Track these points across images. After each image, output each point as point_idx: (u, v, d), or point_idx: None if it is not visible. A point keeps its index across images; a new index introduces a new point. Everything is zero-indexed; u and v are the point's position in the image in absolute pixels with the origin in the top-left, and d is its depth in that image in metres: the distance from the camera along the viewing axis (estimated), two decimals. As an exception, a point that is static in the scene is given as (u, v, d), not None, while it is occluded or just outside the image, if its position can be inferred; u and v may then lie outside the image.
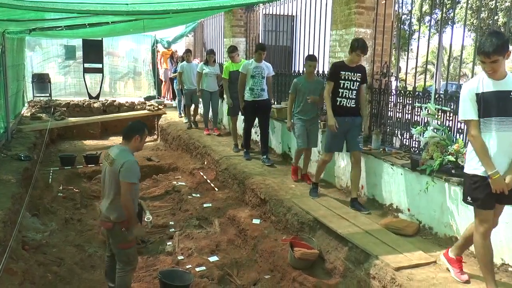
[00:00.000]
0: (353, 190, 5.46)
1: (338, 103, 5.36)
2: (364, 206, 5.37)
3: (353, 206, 5.35)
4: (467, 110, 3.32)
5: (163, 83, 14.97)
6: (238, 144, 8.34)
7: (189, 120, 10.81)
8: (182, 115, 11.85)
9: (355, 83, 5.32)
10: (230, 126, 8.97)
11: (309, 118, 6.19)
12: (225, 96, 8.77)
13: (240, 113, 8.13)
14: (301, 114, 6.20)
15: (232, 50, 8.34)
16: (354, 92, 5.34)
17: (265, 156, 7.52)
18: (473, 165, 3.37)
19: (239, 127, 8.62)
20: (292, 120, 6.32)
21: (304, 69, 6.59)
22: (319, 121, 6.38)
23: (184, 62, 10.58)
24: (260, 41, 9.93)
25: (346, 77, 5.28)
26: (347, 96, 5.33)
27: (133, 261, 4.22)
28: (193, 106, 10.88)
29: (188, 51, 10.91)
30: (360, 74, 5.34)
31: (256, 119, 7.69)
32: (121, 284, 4.15)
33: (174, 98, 13.45)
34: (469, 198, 3.42)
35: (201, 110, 10.61)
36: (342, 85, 5.30)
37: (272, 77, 8.02)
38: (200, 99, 10.10)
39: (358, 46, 5.14)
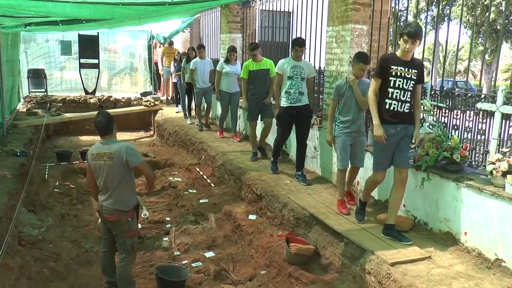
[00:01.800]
0: (391, 215, 4.46)
1: (387, 107, 4.30)
2: (406, 237, 4.38)
3: (390, 235, 4.39)
4: None
5: (162, 79, 14.92)
6: (258, 153, 7.56)
7: (200, 121, 10.09)
8: (179, 110, 11.78)
9: (409, 81, 4.24)
10: (247, 132, 8.17)
11: (355, 129, 5.07)
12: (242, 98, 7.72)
13: (261, 119, 7.45)
14: (345, 124, 5.07)
15: (254, 47, 7.38)
16: (408, 93, 4.26)
17: (299, 173, 6.34)
18: None
19: (258, 134, 7.77)
20: (333, 133, 5.20)
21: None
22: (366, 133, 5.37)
23: (197, 59, 9.76)
24: (257, 37, 9.89)
25: (398, 74, 4.22)
26: (399, 98, 4.25)
27: (135, 250, 4.37)
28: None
29: (201, 46, 9.97)
30: (416, 71, 4.27)
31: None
32: (124, 273, 4.23)
33: (177, 101, 12.45)
34: None
35: (215, 112, 10.14)
36: (392, 83, 4.25)
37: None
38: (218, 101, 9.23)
39: (412, 32, 4.07)
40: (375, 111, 4.35)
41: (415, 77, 4.26)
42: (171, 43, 13.82)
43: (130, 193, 4.21)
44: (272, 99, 7.28)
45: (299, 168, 6.39)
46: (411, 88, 4.26)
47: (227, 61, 8.64)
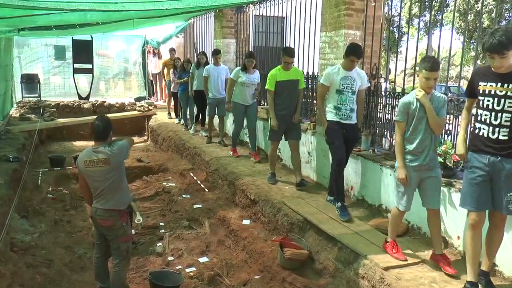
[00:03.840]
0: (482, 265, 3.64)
1: (476, 132, 3.52)
2: None
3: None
4: None
5: (158, 85, 14.90)
6: (276, 174, 6.62)
7: (210, 133, 9.30)
8: (178, 121, 11.28)
9: (505, 101, 3.30)
10: (268, 151, 6.92)
11: (427, 162, 3.91)
12: (270, 114, 6.28)
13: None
14: (414, 155, 3.93)
15: (290, 52, 6.05)
16: (507, 116, 3.31)
17: (340, 204, 5.09)
18: None
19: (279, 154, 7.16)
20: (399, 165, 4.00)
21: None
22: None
23: (211, 65, 8.86)
24: (250, 43, 9.90)
25: (489, 92, 3.37)
26: (490, 122, 3.38)
27: (130, 255, 4.37)
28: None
29: (217, 52, 8.93)
30: None
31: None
32: (118, 279, 4.21)
33: (177, 112, 11.61)
34: None
35: (228, 127, 9.41)
36: (481, 104, 3.44)
37: (261, 79, 7.60)
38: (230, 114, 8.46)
39: (496, 42, 3.20)
40: (462, 139, 3.75)
41: None
42: (172, 53, 12.22)
43: (125, 191, 4.26)
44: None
45: (340, 197, 5.16)
46: (510, 109, 3.29)
47: (245, 69, 7.58)
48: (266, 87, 6.22)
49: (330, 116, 5.24)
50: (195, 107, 9.98)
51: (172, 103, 11.98)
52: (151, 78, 14.87)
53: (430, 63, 3.73)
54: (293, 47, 7.51)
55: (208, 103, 8.96)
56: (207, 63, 9.24)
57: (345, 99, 5.14)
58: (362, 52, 5.22)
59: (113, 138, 4.27)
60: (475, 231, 3.49)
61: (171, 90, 11.38)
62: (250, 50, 7.91)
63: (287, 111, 6.15)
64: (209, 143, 9.02)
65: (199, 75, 9.19)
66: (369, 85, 5.60)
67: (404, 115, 3.92)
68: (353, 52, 4.97)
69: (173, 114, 11.96)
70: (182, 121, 11.03)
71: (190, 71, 9.59)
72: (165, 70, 12.05)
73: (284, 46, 8.79)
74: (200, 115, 9.96)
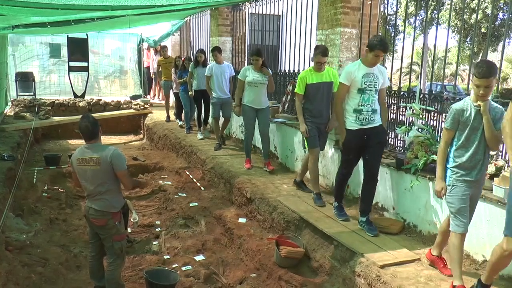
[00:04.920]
0: None
1: None
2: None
3: None
4: None
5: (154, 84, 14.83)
6: (319, 191, 5.64)
7: (217, 136, 8.65)
8: (181, 123, 10.60)
9: None
10: (304, 162, 5.95)
11: (478, 178, 3.56)
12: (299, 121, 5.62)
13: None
14: (465, 169, 3.52)
15: (323, 51, 5.35)
16: None
17: (364, 219, 4.67)
18: None
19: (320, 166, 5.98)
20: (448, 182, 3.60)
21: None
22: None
23: (213, 63, 8.34)
24: (246, 41, 9.88)
25: None
26: None
27: (124, 254, 4.34)
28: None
29: (216, 49, 8.36)
30: None
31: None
32: (113, 277, 4.20)
33: (179, 114, 10.93)
34: None
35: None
36: None
37: None
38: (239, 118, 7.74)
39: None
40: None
41: None
42: (164, 51, 11.75)
43: (117, 195, 4.20)
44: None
45: (364, 211, 4.69)
46: None
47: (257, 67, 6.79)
48: (295, 90, 5.60)
49: (349, 123, 4.62)
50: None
51: (171, 104, 11.70)
52: (153, 76, 14.73)
53: (481, 68, 3.31)
54: (289, 45, 7.52)
55: (211, 103, 8.50)
56: (205, 61, 8.98)
57: (368, 99, 4.55)
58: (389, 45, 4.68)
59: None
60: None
61: (174, 91, 10.74)
62: (258, 48, 7.16)
63: (320, 119, 5.50)
64: (218, 149, 8.31)
65: (198, 74, 8.93)
66: (389, 83, 5.09)
67: (455, 123, 3.51)
68: (380, 45, 4.36)
69: (172, 117, 11.45)
70: (180, 122, 10.68)
71: (189, 70, 9.19)
72: (160, 69, 11.66)
73: (278, 44, 8.62)
74: (203, 116, 9.43)
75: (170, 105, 11.75)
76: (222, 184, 6.96)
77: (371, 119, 4.60)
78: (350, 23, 5.68)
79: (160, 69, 11.62)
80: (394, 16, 6.92)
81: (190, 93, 9.26)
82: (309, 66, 5.62)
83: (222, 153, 8.06)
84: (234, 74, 8.28)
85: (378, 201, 5.23)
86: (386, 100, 5.36)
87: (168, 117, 11.56)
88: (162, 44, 13.76)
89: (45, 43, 13.92)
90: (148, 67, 15.14)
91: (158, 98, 14.59)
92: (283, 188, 6.13)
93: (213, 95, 8.25)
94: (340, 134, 4.76)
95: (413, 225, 4.73)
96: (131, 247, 5.58)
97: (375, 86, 4.56)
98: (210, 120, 9.30)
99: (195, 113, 9.73)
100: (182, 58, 10.30)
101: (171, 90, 11.15)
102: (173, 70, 10.53)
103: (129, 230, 5.82)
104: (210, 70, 8.17)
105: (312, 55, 5.62)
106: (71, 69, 13.47)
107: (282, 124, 7.13)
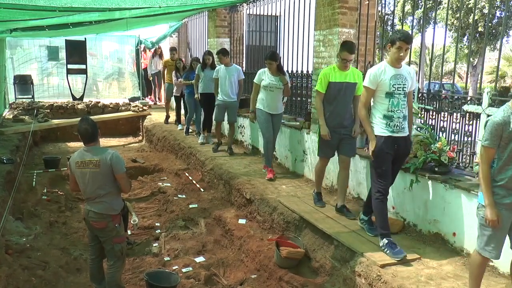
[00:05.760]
0: None
1: None
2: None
3: None
4: None
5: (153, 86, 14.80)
6: (322, 195, 5.55)
7: (218, 140, 8.43)
8: (181, 127, 10.40)
9: None
10: (316, 168, 5.54)
11: None
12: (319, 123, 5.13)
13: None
14: (508, 190, 3.04)
15: (350, 48, 4.84)
16: None
17: (366, 218, 4.56)
18: None
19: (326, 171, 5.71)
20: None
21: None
22: None
23: (222, 66, 7.97)
24: (244, 42, 9.88)
25: None
26: None
27: (124, 256, 4.34)
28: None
29: (220, 51, 8.08)
30: None
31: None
32: (113, 280, 4.21)
33: (178, 119, 10.79)
34: None
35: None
36: None
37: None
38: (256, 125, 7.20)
39: None
40: None
41: None
42: (173, 53, 11.12)
43: (117, 197, 4.20)
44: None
45: (368, 211, 4.52)
46: None
47: (269, 70, 6.48)
48: (316, 87, 5.13)
49: (379, 130, 4.11)
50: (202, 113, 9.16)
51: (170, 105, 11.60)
52: (150, 78, 14.69)
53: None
54: (286, 45, 7.51)
55: (216, 105, 8.12)
56: (214, 63, 8.62)
57: (397, 104, 4.06)
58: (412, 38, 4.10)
59: None
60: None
61: (174, 94, 10.55)
62: (273, 51, 6.80)
63: (339, 121, 5.04)
64: (217, 151, 8.18)
65: (205, 77, 8.59)
66: (418, 85, 4.54)
67: (496, 140, 2.98)
68: (401, 35, 3.94)
69: (172, 119, 11.30)
70: (180, 127, 10.51)
71: (196, 72, 8.82)
72: (165, 71, 11.27)
73: (276, 45, 8.50)
74: (207, 120, 9.06)
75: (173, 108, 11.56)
76: (222, 185, 6.96)
77: (402, 126, 4.12)
78: (348, 23, 5.68)
79: (166, 71, 11.26)
80: (391, 15, 6.95)
81: (196, 96, 8.90)
82: (334, 64, 5.17)
83: (221, 154, 8.05)
84: (243, 77, 8.07)
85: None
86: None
87: (168, 117, 11.42)
88: (161, 45, 13.81)
89: (43, 46, 13.91)
90: (145, 68, 15.10)
91: (160, 101, 14.56)
92: (282, 189, 6.13)
93: (218, 98, 7.97)
94: (370, 142, 4.14)
95: (413, 224, 4.73)
96: (131, 249, 5.58)
97: (404, 89, 4.09)
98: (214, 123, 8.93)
99: (201, 117, 9.28)
100: (183, 60, 10.17)
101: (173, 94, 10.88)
102: (173, 73, 10.25)
103: (129, 232, 5.82)
104: (217, 72, 7.93)
105: (311, 55, 5.57)
106: (69, 71, 13.46)
107: (281, 125, 7.14)
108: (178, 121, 10.80)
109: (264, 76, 6.46)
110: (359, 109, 4.33)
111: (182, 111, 10.59)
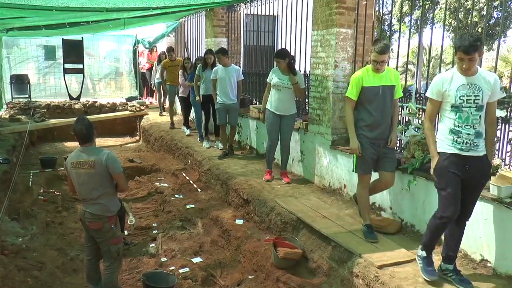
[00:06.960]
0: None
1: None
2: None
3: None
4: None
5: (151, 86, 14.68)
6: (369, 223, 4.55)
7: (224, 145, 8.06)
8: (188, 132, 9.87)
9: None
10: (357, 191, 4.78)
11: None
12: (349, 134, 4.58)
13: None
14: None
15: (382, 48, 4.20)
16: None
17: (451, 267, 3.69)
18: None
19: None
20: None
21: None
22: None
23: (219, 66, 7.69)
24: (242, 41, 9.86)
25: None
26: None
27: (121, 257, 4.34)
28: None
29: (220, 51, 7.72)
30: None
31: None
32: (110, 281, 4.19)
33: (186, 121, 10.14)
34: None
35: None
36: None
37: (254, 77, 7.52)
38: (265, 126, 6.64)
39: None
40: None
41: None
42: (171, 54, 10.71)
43: (113, 198, 4.18)
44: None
45: (451, 258, 3.70)
46: None
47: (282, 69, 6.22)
48: (346, 94, 4.52)
49: (444, 146, 3.55)
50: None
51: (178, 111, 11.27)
52: (154, 88, 13.70)
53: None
54: (284, 46, 7.48)
55: (216, 108, 7.83)
56: (215, 63, 8.18)
57: (466, 119, 3.43)
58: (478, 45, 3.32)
59: None
60: None
61: (180, 95, 9.92)
62: (282, 48, 6.65)
63: (380, 131, 4.42)
64: (222, 158, 7.77)
65: (206, 78, 8.24)
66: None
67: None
68: (460, 44, 3.32)
69: (165, 112, 11.17)
70: (187, 131, 9.92)
71: (196, 73, 8.47)
72: (165, 73, 10.88)
73: (274, 45, 8.40)
74: (209, 123, 8.83)
75: (177, 111, 11.21)
76: (219, 185, 6.94)
77: (474, 144, 3.44)
78: (346, 23, 5.68)
79: (166, 73, 10.83)
80: (389, 15, 6.93)
81: (197, 98, 8.56)
82: (366, 66, 4.59)
83: (220, 154, 8.04)
84: (242, 77, 7.83)
85: (376, 201, 5.22)
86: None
87: (172, 123, 10.73)
88: (158, 45, 13.74)
89: (40, 45, 13.87)
90: (149, 69, 14.97)
91: (156, 100, 14.48)
92: (279, 189, 6.12)
93: (218, 100, 7.68)
94: (432, 159, 3.66)
95: (410, 225, 4.72)
96: (128, 250, 5.56)
97: (476, 101, 3.40)
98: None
99: (203, 120, 8.94)
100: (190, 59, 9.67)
101: (176, 95, 10.44)
102: (180, 72, 9.70)
103: (126, 232, 5.80)
104: (215, 73, 7.64)
105: (309, 55, 5.48)
106: (66, 71, 13.43)
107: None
108: (185, 124, 10.16)
109: (273, 75, 6.24)
110: (424, 122, 3.90)
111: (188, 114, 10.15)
